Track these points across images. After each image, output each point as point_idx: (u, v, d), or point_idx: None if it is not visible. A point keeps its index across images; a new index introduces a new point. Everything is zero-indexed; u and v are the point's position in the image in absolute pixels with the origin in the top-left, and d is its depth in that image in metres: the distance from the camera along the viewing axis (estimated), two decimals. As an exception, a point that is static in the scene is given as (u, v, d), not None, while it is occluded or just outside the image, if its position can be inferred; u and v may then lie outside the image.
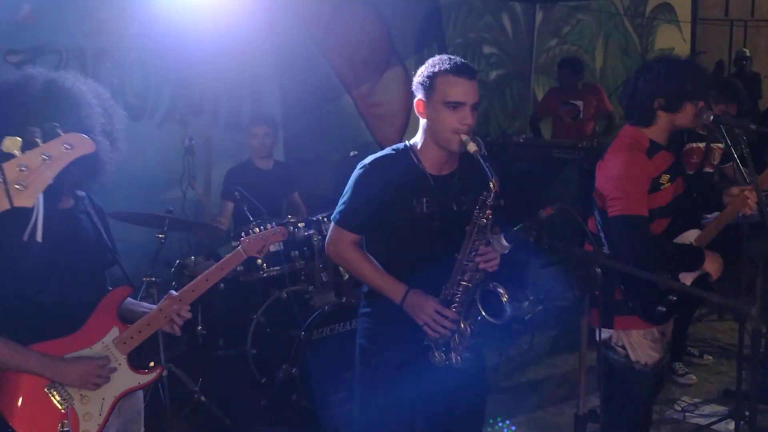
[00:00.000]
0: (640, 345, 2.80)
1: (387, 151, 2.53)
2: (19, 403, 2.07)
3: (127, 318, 2.31)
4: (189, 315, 2.33)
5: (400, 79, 6.42)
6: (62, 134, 1.62)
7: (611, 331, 2.81)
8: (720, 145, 4.36)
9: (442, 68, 2.37)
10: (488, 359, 4.44)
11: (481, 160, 2.30)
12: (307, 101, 5.72)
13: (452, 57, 2.41)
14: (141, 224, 3.84)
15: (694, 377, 4.42)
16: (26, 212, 1.61)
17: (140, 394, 2.39)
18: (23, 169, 1.55)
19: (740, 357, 3.33)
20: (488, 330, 2.44)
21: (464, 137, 2.32)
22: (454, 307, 2.38)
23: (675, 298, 2.70)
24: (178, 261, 4.13)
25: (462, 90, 2.35)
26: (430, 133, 2.43)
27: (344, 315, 3.86)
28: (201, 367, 3.99)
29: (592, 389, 2.63)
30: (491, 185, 2.30)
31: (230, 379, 4.17)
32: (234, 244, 4.05)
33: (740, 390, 3.43)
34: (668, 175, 2.78)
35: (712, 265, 2.74)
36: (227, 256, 2.49)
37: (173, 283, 4.03)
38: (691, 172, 4.13)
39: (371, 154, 5.80)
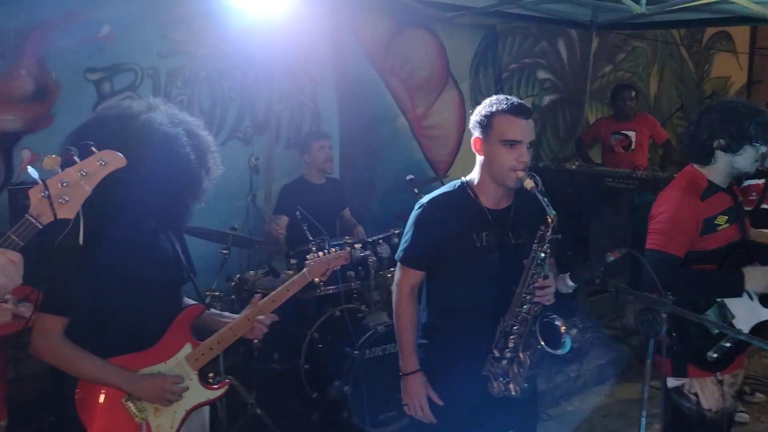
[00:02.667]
0: (712, 392, 2.78)
1: (445, 188, 2.64)
2: (98, 412, 2.18)
3: (203, 330, 2.42)
4: (275, 317, 2.50)
5: (455, 102, 6.52)
6: (96, 152, 1.76)
7: (684, 378, 2.80)
8: (780, 180, 4.34)
9: (499, 108, 2.46)
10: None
11: (539, 196, 2.38)
12: (364, 122, 5.85)
13: (509, 97, 2.50)
14: (206, 239, 3.99)
15: (747, 416, 4.37)
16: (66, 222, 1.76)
17: (207, 407, 2.48)
18: (64, 184, 1.71)
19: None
20: (545, 360, 2.50)
21: (521, 174, 2.41)
22: (513, 338, 2.45)
23: (729, 344, 2.68)
24: (238, 276, 4.27)
25: (518, 129, 2.44)
26: (487, 170, 2.52)
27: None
28: (256, 380, 4.11)
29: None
30: (549, 220, 2.37)
31: (283, 392, 4.28)
32: (292, 261, 4.23)
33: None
34: (726, 217, 2.79)
35: (755, 282, 2.69)
36: (293, 278, 2.59)
37: (233, 297, 4.18)
38: (749, 209, 4.11)
39: (425, 176, 5.96)
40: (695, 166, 2.89)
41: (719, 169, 2.83)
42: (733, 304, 2.74)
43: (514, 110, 2.45)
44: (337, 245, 3.95)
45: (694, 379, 2.80)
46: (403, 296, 2.62)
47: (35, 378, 3.92)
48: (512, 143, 2.43)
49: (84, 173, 1.73)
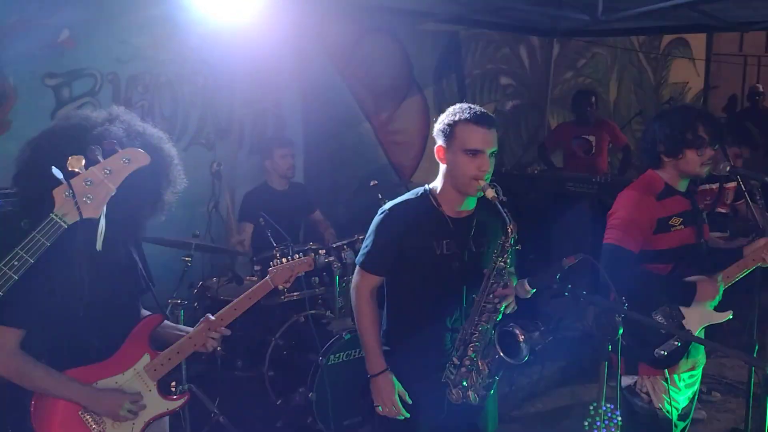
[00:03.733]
0: (663, 391, 2.85)
1: (407, 195, 2.66)
2: (54, 425, 2.16)
3: (159, 341, 2.41)
4: (227, 332, 2.45)
5: (419, 108, 6.57)
6: (120, 150, 1.74)
7: (636, 377, 2.88)
8: (733, 184, 4.46)
9: (462, 117, 2.48)
10: (498, 388, 4.53)
11: (499, 206, 2.42)
12: (328, 127, 5.85)
13: (472, 106, 2.52)
14: (168, 246, 3.95)
15: (705, 413, 4.48)
16: (89, 224, 1.74)
17: (167, 417, 2.46)
18: (88, 183, 1.69)
19: (750, 398, 3.39)
20: (505, 368, 2.53)
21: (482, 183, 2.44)
22: (472, 347, 2.48)
23: (678, 343, 2.76)
24: (201, 283, 4.23)
25: (481, 138, 2.46)
26: (449, 178, 2.55)
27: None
28: (219, 388, 4.08)
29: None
30: (510, 230, 2.42)
31: (247, 400, 4.25)
32: (256, 268, 4.21)
33: (748, 430, 3.49)
34: (681, 219, 2.89)
35: (706, 295, 2.80)
36: (255, 285, 2.58)
37: (196, 305, 4.15)
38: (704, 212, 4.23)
39: (389, 181, 5.97)
40: (654, 169, 3.00)
41: (669, 172, 2.95)
42: (685, 310, 2.83)
43: (477, 120, 2.47)
44: (301, 251, 3.96)
45: (645, 378, 2.88)
46: (363, 299, 2.63)
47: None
48: (474, 152, 2.45)
49: (108, 171, 1.73)
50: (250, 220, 4.58)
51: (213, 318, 2.43)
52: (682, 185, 2.97)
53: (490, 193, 2.42)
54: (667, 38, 9.38)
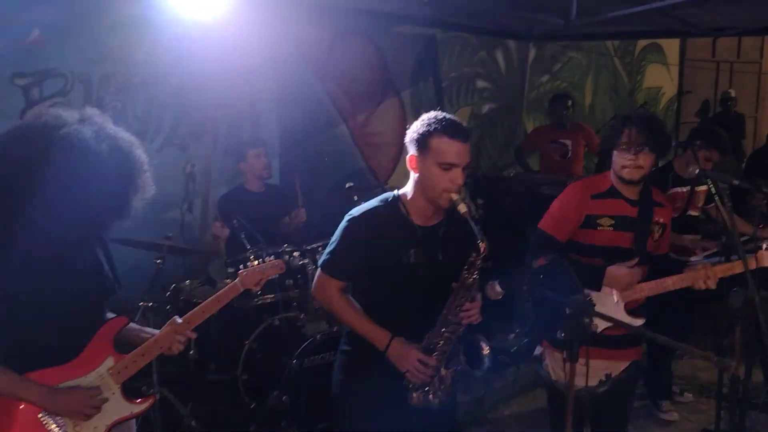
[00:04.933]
0: (559, 367, 2.98)
1: (375, 202, 2.59)
2: (14, 429, 2.12)
3: (125, 344, 2.37)
4: (193, 335, 2.43)
5: (396, 110, 6.57)
6: None
7: (539, 348, 3.11)
8: (704, 188, 4.51)
9: (437, 128, 2.42)
10: (473, 390, 4.54)
11: (472, 223, 2.38)
12: (304, 129, 5.82)
13: (447, 116, 2.47)
14: (139, 248, 3.90)
15: (677, 415, 4.52)
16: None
17: (133, 421, 2.43)
18: None
19: (720, 398, 3.43)
20: (467, 377, 2.53)
21: (455, 196, 2.41)
22: (436, 355, 2.47)
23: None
24: (173, 285, 4.19)
25: (455, 152, 2.41)
26: (420, 188, 2.50)
27: (335, 344, 3.86)
28: (192, 391, 4.03)
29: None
30: (481, 247, 2.38)
31: (220, 403, 4.21)
32: (230, 270, 4.17)
33: (719, 430, 3.53)
34: (612, 221, 2.98)
35: (615, 281, 2.89)
36: (224, 288, 2.56)
37: (168, 308, 4.10)
38: (675, 215, 4.27)
39: (365, 183, 5.94)
40: (607, 171, 3.12)
41: (612, 172, 3.06)
42: (598, 296, 2.91)
43: (452, 133, 2.41)
44: (275, 254, 3.93)
45: (546, 350, 3.08)
46: (332, 296, 2.58)
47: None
48: (448, 166, 2.41)
49: None
50: (226, 223, 4.52)
51: (179, 321, 2.41)
52: (628, 191, 3.02)
53: (463, 209, 2.38)
54: (642, 43, 9.49)
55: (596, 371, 2.92)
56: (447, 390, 2.48)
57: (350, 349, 2.64)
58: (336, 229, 2.62)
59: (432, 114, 2.49)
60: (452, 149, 2.41)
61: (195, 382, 4.08)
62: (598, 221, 2.98)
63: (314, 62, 5.88)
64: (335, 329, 4.00)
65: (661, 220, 3.12)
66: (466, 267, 2.44)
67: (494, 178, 5.91)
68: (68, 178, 2.01)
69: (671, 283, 2.92)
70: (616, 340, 2.96)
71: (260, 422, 3.94)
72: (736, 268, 2.85)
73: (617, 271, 2.90)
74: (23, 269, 2.05)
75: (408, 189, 2.57)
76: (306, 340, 3.88)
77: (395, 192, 2.61)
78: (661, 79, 10.04)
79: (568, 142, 6.47)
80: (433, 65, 6.89)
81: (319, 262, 2.64)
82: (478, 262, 2.41)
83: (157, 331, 2.42)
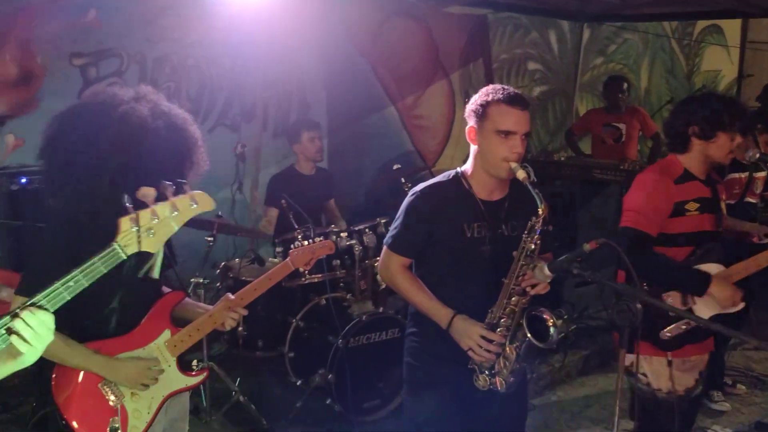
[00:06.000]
0: (661, 373, 2.83)
1: (438, 178, 2.61)
2: (75, 396, 2.18)
3: (179, 319, 2.43)
4: (245, 312, 2.47)
5: (445, 93, 6.51)
6: (189, 191, 1.75)
7: (632, 357, 2.79)
8: (763, 174, 4.37)
9: (495, 97, 2.43)
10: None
11: (530, 187, 2.35)
12: (353, 111, 5.83)
13: (506, 87, 2.47)
14: (191, 226, 3.98)
15: (728, 405, 4.41)
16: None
17: (187, 394, 2.49)
18: (154, 219, 1.70)
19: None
20: (534, 353, 2.46)
21: (513, 165, 2.38)
22: (500, 331, 2.40)
23: (685, 327, 2.74)
24: (223, 263, 4.26)
25: (514, 119, 2.41)
26: (480, 160, 2.50)
27: (381, 325, 3.96)
28: (240, 367, 4.11)
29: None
30: (540, 211, 2.36)
31: (267, 380, 4.30)
32: (278, 250, 4.23)
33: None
34: (697, 204, 2.86)
35: (721, 292, 2.75)
36: (276, 267, 2.60)
37: (218, 285, 4.18)
38: (732, 202, 4.14)
39: (412, 165, 5.95)
40: (674, 154, 2.97)
41: (695, 157, 2.90)
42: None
43: (511, 100, 2.42)
44: (322, 234, 3.96)
45: (643, 358, 2.84)
46: (398, 276, 2.56)
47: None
48: (507, 134, 2.40)
49: (174, 211, 1.73)
50: (275, 205, 4.56)
51: (233, 297, 2.45)
52: (702, 172, 2.93)
53: (521, 174, 2.36)
54: (701, 24, 9.17)
55: (693, 367, 2.88)
56: (512, 370, 2.41)
57: (417, 329, 2.63)
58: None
59: (490, 86, 2.49)
60: (511, 116, 2.41)
61: (244, 358, 4.15)
62: (686, 207, 2.85)
63: (363, 44, 5.86)
64: (381, 310, 4.02)
65: (723, 197, 3.05)
66: (526, 232, 2.40)
67: (544, 162, 5.80)
68: (127, 155, 2.05)
69: (764, 260, 2.86)
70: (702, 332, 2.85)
71: (306, 399, 4.00)
72: None
73: (722, 292, 2.76)
74: (89, 243, 2.11)
75: (468, 164, 2.56)
76: (352, 321, 3.91)
77: (458, 169, 2.59)
78: (720, 61, 9.69)
79: (622, 126, 6.33)
80: (483, 47, 6.80)
81: (385, 240, 2.62)
82: (538, 225, 2.37)
83: (210, 307, 2.47)
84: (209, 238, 3.90)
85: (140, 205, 1.72)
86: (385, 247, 2.61)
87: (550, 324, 2.35)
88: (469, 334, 2.41)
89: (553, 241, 2.68)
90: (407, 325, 2.72)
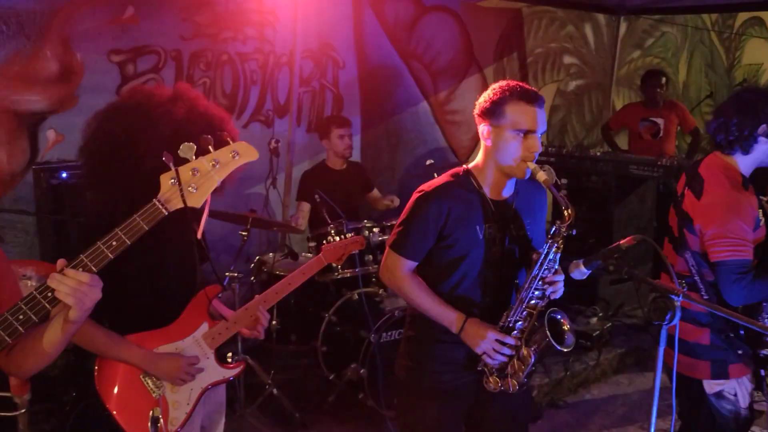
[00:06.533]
0: (748, 389, 2.71)
1: (445, 177, 2.46)
2: (117, 388, 2.22)
3: (213, 313, 2.46)
4: (267, 316, 2.48)
5: (479, 87, 6.45)
6: (231, 143, 1.75)
7: (725, 381, 2.69)
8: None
9: (513, 95, 2.32)
10: (553, 373, 4.47)
11: (554, 191, 2.27)
12: (386, 106, 5.83)
13: (521, 84, 2.37)
14: (226, 221, 4.02)
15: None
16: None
17: (224, 386, 2.53)
18: (195, 173, 1.71)
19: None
20: (551, 353, 2.37)
21: (532, 165, 2.30)
22: (515, 334, 2.35)
23: None
24: (258, 257, 4.31)
25: (532, 117, 2.31)
26: (494, 159, 2.38)
27: (413, 320, 3.96)
28: (273, 360, 4.15)
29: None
30: (567, 216, 2.27)
31: (300, 374, 4.33)
32: (311, 244, 4.26)
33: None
34: (763, 214, 2.68)
35: None
36: (309, 262, 2.62)
37: (252, 279, 4.22)
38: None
39: (445, 161, 5.91)
40: (722, 155, 2.73)
41: (754, 158, 2.68)
42: None
43: (529, 98, 2.31)
44: (354, 229, 3.98)
45: (736, 380, 2.69)
46: (404, 278, 2.43)
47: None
48: (525, 132, 2.31)
49: (215, 163, 1.72)
50: (307, 200, 4.60)
51: (273, 287, 2.48)
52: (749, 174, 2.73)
53: (543, 177, 2.27)
54: (742, 17, 8.91)
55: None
56: (528, 370, 2.36)
57: (416, 334, 2.54)
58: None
59: (503, 82, 2.38)
60: (529, 115, 2.30)
61: (277, 352, 4.19)
62: (759, 216, 2.61)
63: (397, 39, 5.85)
64: (414, 306, 4.01)
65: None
66: (549, 236, 2.31)
67: (580, 157, 5.71)
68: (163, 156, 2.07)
69: None
70: None
71: (338, 393, 4.02)
72: None
73: None
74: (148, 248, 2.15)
75: (479, 162, 2.44)
76: (384, 316, 3.91)
77: (465, 166, 2.46)
78: (762, 55, 9.40)
79: (660, 121, 6.21)
80: (518, 41, 6.73)
81: (390, 243, 2.47)
82: (563, 230, 2.28)
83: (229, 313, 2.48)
84: (244, 233, 3.94)
85: (181, 161, 1.70)
86: (389, 250, 2.46)
87: (566, 327, 2.32)
88: (483, 337, 2.33)
89: (588, 238, 2.62)
90: (405, 328, 2.62)
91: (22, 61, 4.04)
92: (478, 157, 2.45)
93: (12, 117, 4.02)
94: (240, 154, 1.74)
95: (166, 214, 1.69)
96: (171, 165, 1.69)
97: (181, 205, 1.70)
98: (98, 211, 2.21)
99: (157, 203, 1.68)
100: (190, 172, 1.70)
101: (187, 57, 4.66)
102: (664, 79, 6.24)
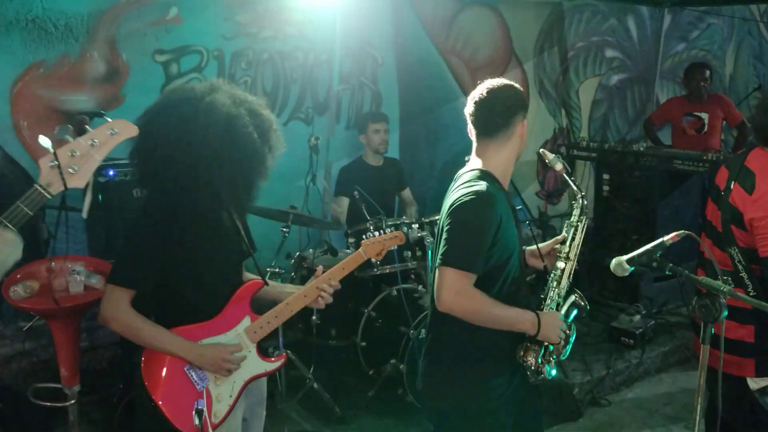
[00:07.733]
0: None
1: (482, 183, 2.28)
2: (162, 379, 2.28)
3: (259, 304, 2.49)
4: (338, 286, 2.53)
5: (519, 82, 6.37)
6: (108, 120, 1.75)
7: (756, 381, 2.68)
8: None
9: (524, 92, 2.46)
10: (595, 371, 4.42)
11: (567, 178, 2.38)
12: (425, 102, 5.83)
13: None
14: (267, 218, 4.08)
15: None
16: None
17: (265, 379, 2.57)
18: (74, 154, 1.71)
19: None
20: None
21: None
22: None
23: None
24: (298, 253, 4.35)
25: None
26: (517, 154, 2.40)
27: (453, 316, 3.95)
28: (314, 355, 4.19)
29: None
30: (580, 200, 2.39)
31: (340, 368, 4.37)
32: (350, 240, 4.29)
33: None
34: None
35: None
36: (349, 257, 2.63)
37: (293, 274, 4.27)
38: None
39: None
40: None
41: None
42: None
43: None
44: (393, 225, 3.99)
45: None
46: (474, 294, 2.20)
47: (106, 347, 4.13)
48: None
49: (94, 143, 1.72)
50: (346, 194, 4.65)
51: (322, 274, 2.52)
52: None
53: (559, 166, 2.37)
54: (793, 6, 8.66)
55: None
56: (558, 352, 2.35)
57: (471, 363, 2.34)
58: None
59: (496, 80, 2.41)
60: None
61: (317, 346, 4.23)
62: None
63: (436, 34, 5.84)
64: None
65: None
66: (569, 217, 2.43)
67: (622, 152, 5.61)
68: (220, 143, 2.13)
69: None
70: None
71: (377, 388, 4.04)
72: None
73: None
74: (179, 232, 2.20)
75: (498, 163, 2.35)
76: (423, 312, 3.91)
77: (481, 170, 2.34)
78: (814, 46, 9.13)
79: (704, 116, 6.06)
80: (559, 35, 6.65)
81: (449, 260, 2.18)
82: (578, 209, 2.41)
83: (295, 289, 2.53)
84: (284, 229, 3.99)
85: (60, 143, 1.71)
86: (450, 270, 2.17)
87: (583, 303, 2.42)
88: (558, 324, 2.30)
89: (631, 234, 2.62)
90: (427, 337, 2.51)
91: (69, 62, 4.17)
92: (500, 157, 2.35)
93: (61, 117, 4.14)
94: (119, 131, 1.75)
95: (49, 197, 1.69)
96: (49, 148, 1.69)
97: (62, 188, 1.70)
98: (154, 208, 2.26)
99: (38, 187, 1.69)
100: (69, 153, 1.69)
101: (228, 56, 4.74)
102: (708, 72, 6.07)
